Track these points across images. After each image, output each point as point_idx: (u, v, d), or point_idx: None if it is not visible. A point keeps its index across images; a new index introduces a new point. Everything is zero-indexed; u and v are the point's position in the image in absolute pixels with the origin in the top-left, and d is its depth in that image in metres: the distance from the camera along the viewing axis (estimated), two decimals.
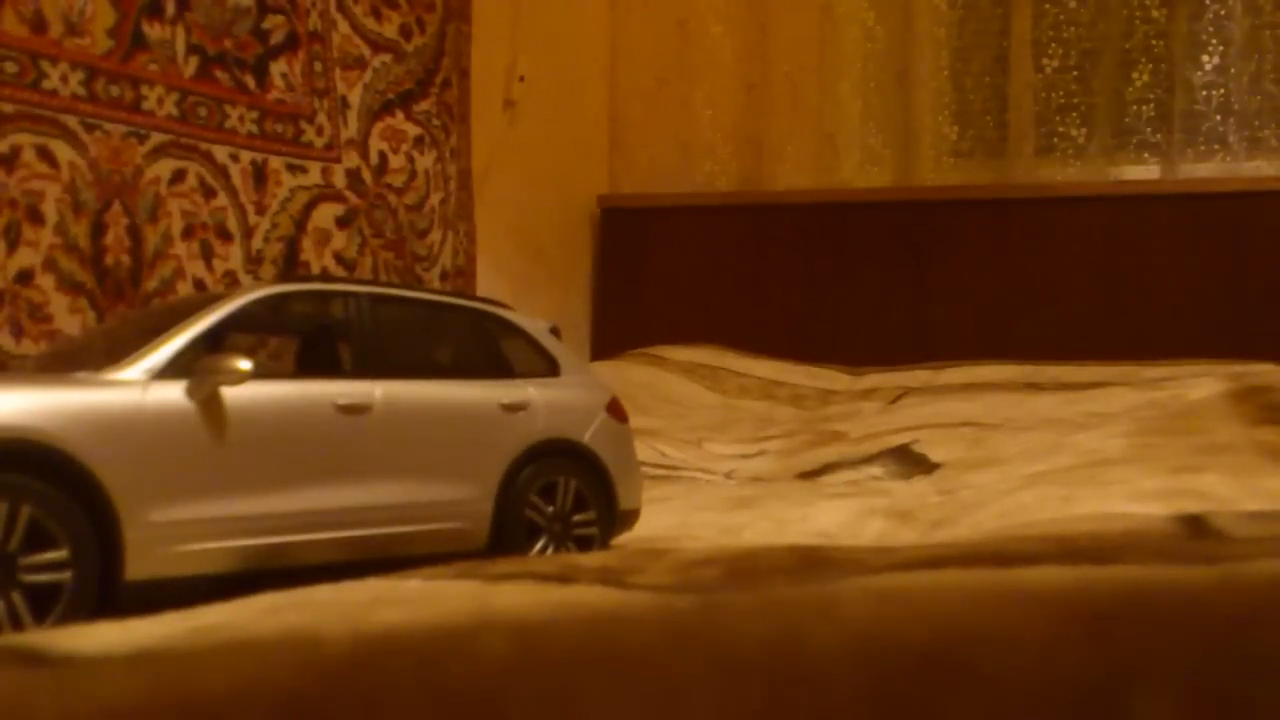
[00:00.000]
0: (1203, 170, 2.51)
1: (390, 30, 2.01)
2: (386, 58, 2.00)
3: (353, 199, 1.90)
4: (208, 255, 1.62)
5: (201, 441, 0.54)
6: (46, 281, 1.39)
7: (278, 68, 1.76)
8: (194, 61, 1.60)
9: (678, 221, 2.71)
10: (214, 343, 0.58)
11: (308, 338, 0.62)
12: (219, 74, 1.65)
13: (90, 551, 0.48)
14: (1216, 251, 2.37)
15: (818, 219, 2.61)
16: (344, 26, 1.91)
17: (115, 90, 1.49)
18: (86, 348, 0.68)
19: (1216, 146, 2.51)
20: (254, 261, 1.69)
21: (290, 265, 1.76)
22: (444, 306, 0.70)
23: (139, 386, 0.54)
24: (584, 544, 0.69)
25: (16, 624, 0.47)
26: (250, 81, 1.70)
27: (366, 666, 0.36)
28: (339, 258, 1.86)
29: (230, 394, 0.55)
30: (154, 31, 1.54)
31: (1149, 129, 2.55)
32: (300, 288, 0.65)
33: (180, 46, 1.58)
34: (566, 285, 2.67)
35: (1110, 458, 1.13)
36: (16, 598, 0.48)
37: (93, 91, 1.45)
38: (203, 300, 0.62)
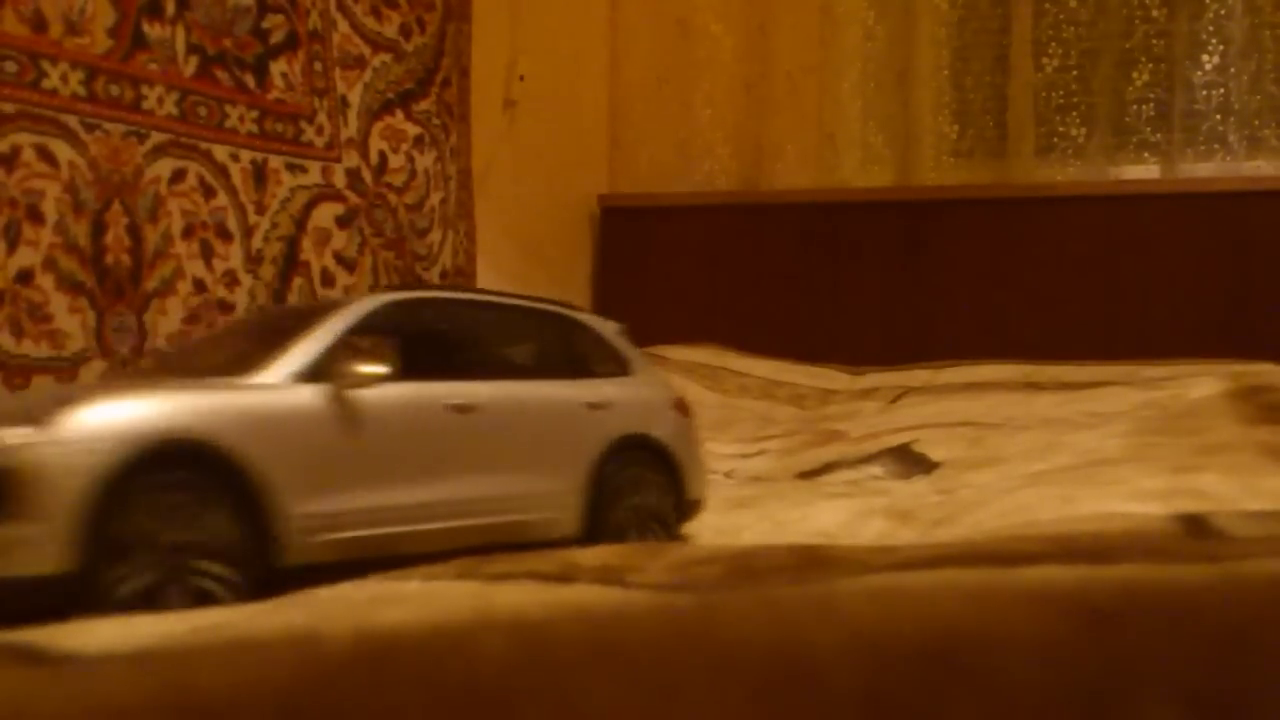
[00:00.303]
0: (1203, 170, 2.51)
1: (390, 30, 2.01)
2: (386, 57, 2.00)
3: (353, 198, 1.90)
4: (208, 255, 1.62)
5: (337, 440, 0.59)
6: (46, 281, 1.39)
7: (278, 67, 1.76)
8: (194, 61, 1.60)
9: (678, 221, 2.71)
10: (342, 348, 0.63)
11: (414, 341, 0.64)
12: (219, 73, 1.65)
13: (243, 543, 0.53)
14: (1216, 251, 2.37)
15: (818, 218, 2.61)
16: (344, 26, 1.91)
17: (115, 90, 1.48)
18: (199, 354, 0.74)
19: (1216, 146, 2.51)
20: (254, 261, 1.69)
21: (290, 264, 1.76)
22: (532, 311, 0.77)
23: (282, 389, 0.59)
24: (658, 532, 0.74)
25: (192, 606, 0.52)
26: (250, 81, 1.70)
27: (366, 666, 0.36)
28: (339, 257, 1.86)
29: (360, 395, 0.60)
30: (154, 31, 1.54)
31: (1149, 128, 2.55)
32: (411, 295, 0.69)
33: (180, 46, 1.58)
34: (566, 284, 2.67)
35: (1110, 457, 1.13)
36: (192, 586, 0.53)
37: (93, 91, 1.45)
38: (321, 308, 0.67)
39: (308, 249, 1.80)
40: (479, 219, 2.26)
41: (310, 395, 0.60)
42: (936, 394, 1.89)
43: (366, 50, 1.96)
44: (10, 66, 1.35)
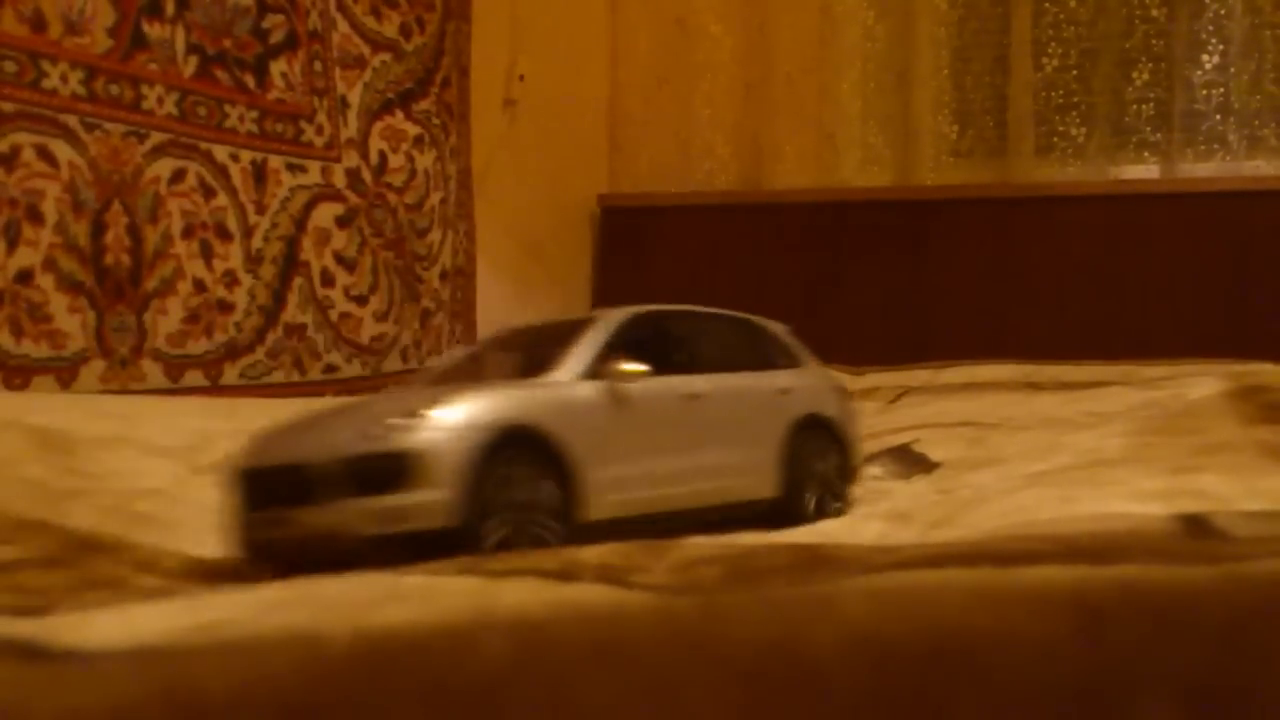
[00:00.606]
0: (1202, 170, 2.51)
1: (390, 29, 2.01)
2: (386, 57, 2.00)
3: (352, 198, 1.90)
4: (207, 254, 1.62)
5: (614, 423, 0.77)
6: (46, 281, 1.39)
7: (277, 67, 1.76)
8: (194, 61, 1.60)
9: (677, 220, 2.71)
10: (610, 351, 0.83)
11: (651, 345, 0.83)
12: (219, 73, 1.65)
13: (570, 494, 0.72)
14: (1216, 251, 2.37)
15: (817, 218, 2.61)
16: (343, 26, 1.91)
17: (115, 89, 1.48)
18: (481, 364, 0.93)
19: (1216, 146, 2.51)
20: (254, 261, 1.69)
21: (290, 264, 1.76)
22: (728, 318, 0.96)
23: (573, 386, 0.78)
24: (834, 491, 0.94)
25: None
26: (250, 81, 1.70)
27: (366, 666, 0.36)
28: (339, 257, 1.86)
29: (625, 388, 0.79)
30: (154, 31, 1.54)
31: (1149, 128, 2.55)
32: (646, 310, 0.88)
33: (180, 46, 1.58)
34: (566, 284, 2.67)
35: (1109, 457, 1.13)
36: (533, 535, 0.71)
37: (92, 91, 1.45)
38: (579, 322, 0.86)
39: (307, 249, 1.80)
40: (479, 219, 2.26)
41: (593, 390, 0.78)
42: (936, 394, 1.89)
43: (366, 50, 1.96)
44: (10, 66, 1.35)
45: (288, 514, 0.69)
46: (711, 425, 0.84)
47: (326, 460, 0.68)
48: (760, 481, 0.86)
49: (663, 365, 0.82)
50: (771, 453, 0.88)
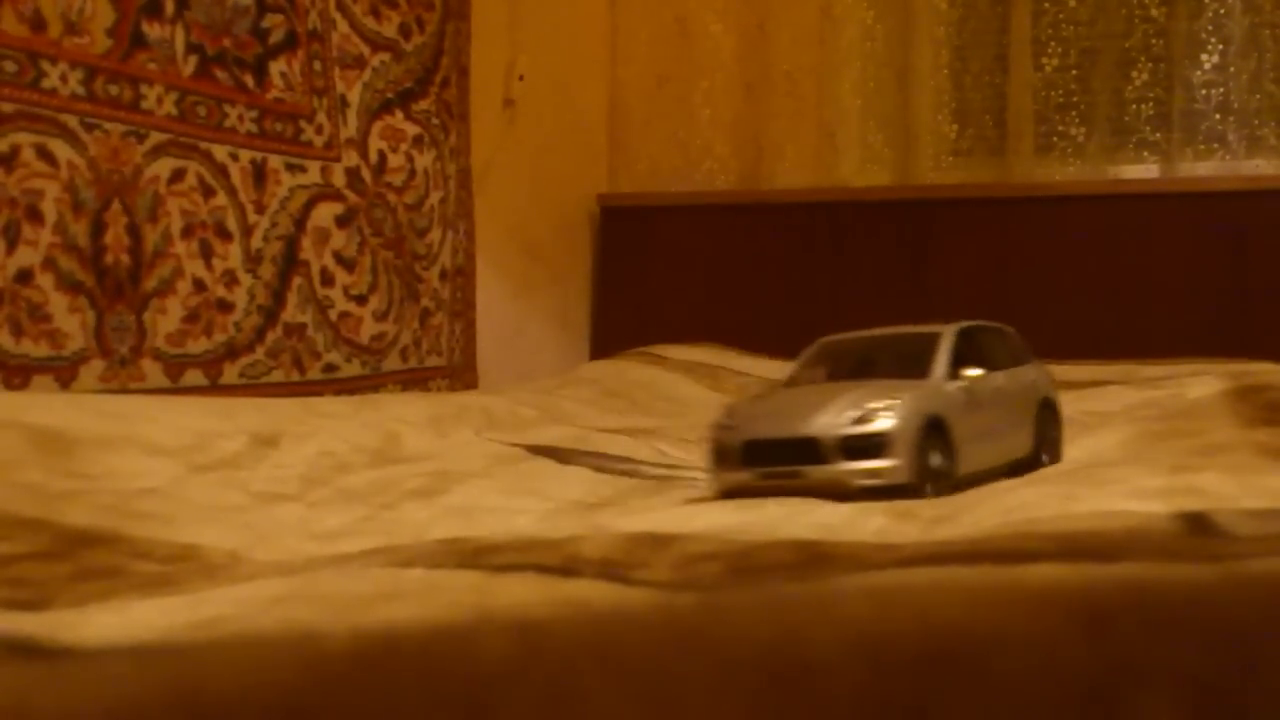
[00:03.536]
0: (1202, 169, 2.51)
1: (389, 29, 2.01)
2: (385, 56, 2.00)
3: (352, 198, 1.90)
4: (207, 254, 1.62)
5: (968, 410, 1.06)
6: (46, 280, 1.39)
7: (277, 67, 1.76)
8: (193, 61, 1.60)
9: (677, 220, 2.71)
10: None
11: (961, 350, 1.11)
12: (218, 73, 1.65)
13: (952, 461, 1.03)
14: (1216, 250, 2.37)
15: (817, 218, 2.61)
16: (343, 25, 1.91)
17: (114, 89, 1.48)
18: (842, 367, 1.21)
19: (1216, 145, 2.51)
20: (253, 260, 1.69)
21: (289, 264, 1.76)
22: (992, 328, 1.23)
23: (944, 384, 1.07)
24: (1050, 458, 1.20)
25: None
26: (249, 80, 1.70)
27: (366, 665, 0.36)
28: (338, 257, 1.86)
29: (972, 386, 1.08)
30: (153, 31, 1.54)
31: (1148, 128, 2.55)
32: (960, 326, 1.15)
33: (179, 45, 1.58)
34: (566, 284, 2.67)
35: (1109, 456, 1.13)
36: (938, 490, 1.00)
37: (92, 91, 1.45)
38: (926, 336, 1.14)
39: (307, 248, 1.80)
40: (478, 218, 2.26)
41: (955, 388, 1.07)
42: None
43: (366, 50, 1.96)
44: (9, 66, 1.35)
45: (800, 470, 1.02)
46: (1006, 409, 1.15)
47: (831, 436, 1.01)
48: (1024, 445, 1.16)
49: (974, 366, 1.13)
50: (1029, 425, 1.18)
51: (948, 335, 1.13)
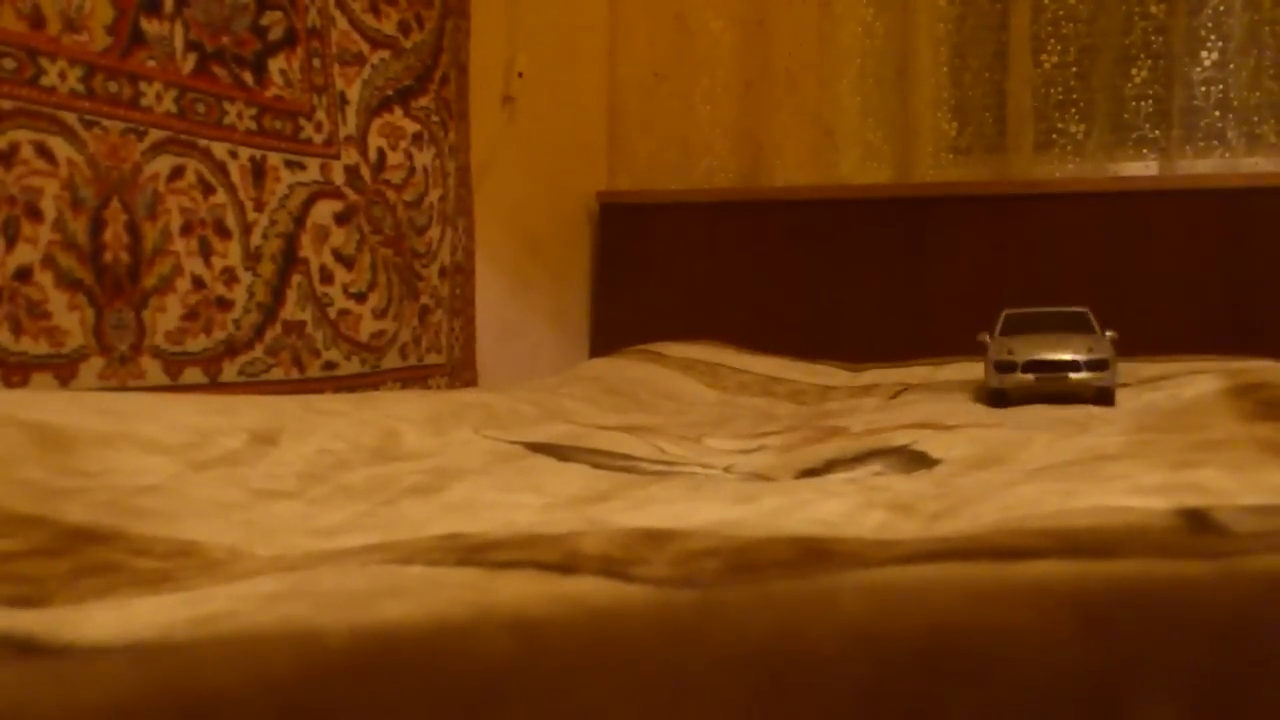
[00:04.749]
0: (1202, 166, 2.51)
1: (389, 26, 2.01)
2: (385, 54, 2.00)
3: (351, 195, 1.90)
4: (206, 252, 1.62)
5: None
6: (45, 278, 1.39)
7: (276, 64, 1.75)
8: (192, 58, 1.60)
9: (677, 217, 2.71)
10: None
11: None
12: (217, 70, 1.65)
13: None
14: (1215, 248, 2.37)
15: (817, 215, 2.61)
16: (342, 23, 1.90)
17: (114, 87, 1.48)
18: (1025, 328, 1.66)
19: (1215, 143, 2.51)
20: (252, 258, 1.69)
21: (289, 261, 1.76)
22: (1078, 311, 1.67)
23: (1103, 337, 1.59)
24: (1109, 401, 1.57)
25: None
26: (249, 78, 1.70)
27: (365, 662, 0.36)
28: (338, 254, 1.86)
29: (1113, 338, 1.60)
30: (152, 28, 1.54)
31: (1148, 125, 2.55)
32: (1060, 310, 1.65)
33: (179, 43, 1.58)
34: (565, 281, 2.68)
35: (1109, 453, 1.13)
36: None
37: (91, 88, 1.45)
38: (1077, 313, 1.65)
39: (306, 246, 1.80)
40: (478, 216, 2.26)
41: (1109, 338, 1.58)
42: (936, 390, 1.89)
43: (365, 47, 1.96)
44: (8, 63, 1.35)
45: (1060, 379, 1.51)
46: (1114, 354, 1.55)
47: (1084, 359, 1.51)
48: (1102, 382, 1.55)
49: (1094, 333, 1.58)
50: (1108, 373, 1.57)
51: (1089, 311, 1.68)
